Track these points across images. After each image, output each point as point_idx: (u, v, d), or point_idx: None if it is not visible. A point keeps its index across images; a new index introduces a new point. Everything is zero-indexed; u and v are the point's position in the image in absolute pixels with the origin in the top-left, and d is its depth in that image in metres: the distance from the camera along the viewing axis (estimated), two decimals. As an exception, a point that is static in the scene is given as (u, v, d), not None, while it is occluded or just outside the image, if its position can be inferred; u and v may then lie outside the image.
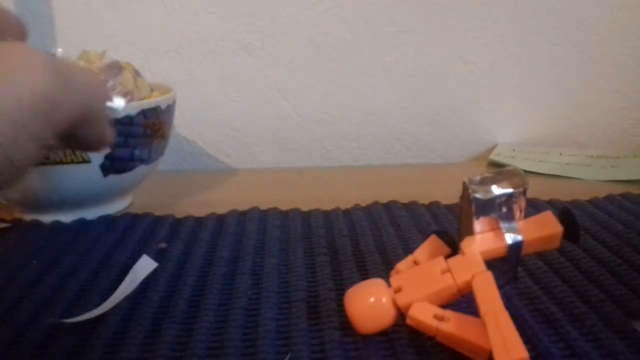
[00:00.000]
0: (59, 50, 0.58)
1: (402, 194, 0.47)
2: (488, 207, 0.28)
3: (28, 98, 0.20)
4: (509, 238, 0.28)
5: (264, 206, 0.46)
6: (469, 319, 0.26)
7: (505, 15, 0.61)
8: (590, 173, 0.54)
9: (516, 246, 0.28)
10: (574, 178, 0.54)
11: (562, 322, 0.29)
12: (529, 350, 0.24)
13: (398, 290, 0.28)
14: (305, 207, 0.45)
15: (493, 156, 0.60)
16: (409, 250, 0.34)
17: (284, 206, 0.46)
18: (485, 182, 0.28)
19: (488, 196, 0.28)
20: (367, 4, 0.60)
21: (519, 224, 0.28)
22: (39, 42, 0.60)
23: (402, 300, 0.27)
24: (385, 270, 0.34)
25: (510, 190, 0.28)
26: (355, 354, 0.27)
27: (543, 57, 0.62)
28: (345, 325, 0.29)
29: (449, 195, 0.40)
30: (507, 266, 0.29)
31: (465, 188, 0.28)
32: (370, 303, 0.28)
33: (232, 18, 0.60)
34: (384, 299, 0.28)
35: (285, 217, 0.44)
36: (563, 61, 0.62)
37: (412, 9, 0.60)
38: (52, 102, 0.21)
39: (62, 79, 0.21)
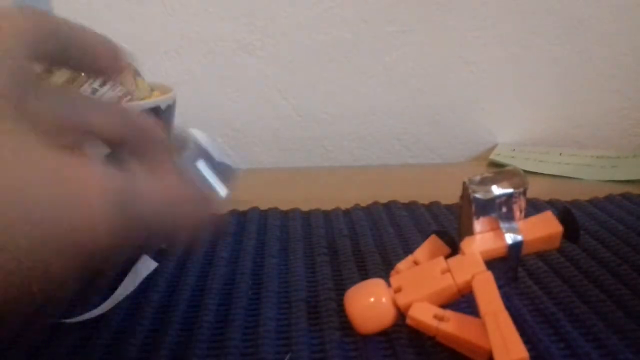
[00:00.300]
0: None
1: (402, 194, 0.47)
2: (488, 207, 0.28)
3: (80, 238, 0.19)
4: (509, 238, 0.28)
5: (264, 206, 0.46)
6: (469, 319, 0.26)
7: (505, 15, 0.61)
8: (590, 173, 0.54)
9: (516, 246, 0.28)
10: (574, 178, 0.54)
11: (562, 322, 0.29)
12: (529, 350, 0.24)
13: (398, 290, 0.28)
14: (305, 207, 0.45)
15: (493, 156, 0.60)
16: (409, 250, 0.34)
17: (284, 206, 0.46)
18: (485, 182, 0.28)
19: (488, 196, 0.28)
20: (367, 4, 0.60)
21: (519, 224, 0.28)
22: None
23: (402, 300, 0.27)
24: (385, 270, 0.34)
25: (510, 190, 0.28)
26: (355, 354, 0.27)
27: (543, 57, 0.62)
28: (345, 325, 0.29)
29: (449, 195, 0.40)
30: (507, 266, 0.29)
31: (465, 188, 0.28)
32: (370, 303, 0.28)
33: (232, 18, 0.60)
34: (384, 299, 0.28)
35: (285, 217, 0.44)
36: (563, 61, 0.62)
37: (412, 9, 0.60)
38: (109, 239, 0.20)
39: (123, 209, 0.20)
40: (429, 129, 0.64)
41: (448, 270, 0.28)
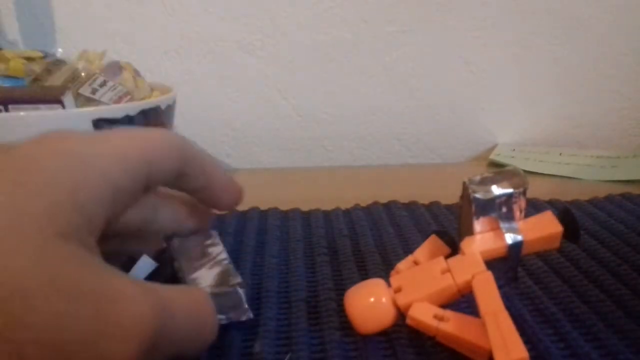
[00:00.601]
0: (59, 50, 0.58)
1: (402, 194, 0.47)
2: (488, 207, 0.28)
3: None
4: (509, 238, 0.28)
5: (264, 206, 0.46)
6: (469, 319, 0.26)
7: (505, 15, 0.61)
8: (590, 173, 0.54)
9: (516, 246, 0.28)
10: (574, 178, 0.54)
11: (562, 322, 0.29)
12: (529, 350, 0.24)
13: (398, 290, 0.28)
14: (305, 207, 0.45)
15: (493, 156, 0.60)
16: (409, 250, 0.34)
17: (284, 206, 0.46)
18: (485, 182, 0.28)
19: (488, 196, 0.28)
20: (367, 4, 0.60)
21: (519, 224, 0.28)
22: (39, 42, 0.60)
23: (402, 300, 0.27)
24: (385, 270, 0.34)
25: (510, 190, 0.28)
26: (355, 354, 0.27)
27: (543, 57, 0.62)
28: (345, 325, 0.29)
29: (449, 195, 0.40)
30: (507, 266, 0.29)
31: (465, 188, 0.28)
32: (370, 303, 0.28)
33: (232, 18, 0.60)
34: (384, 299, 0.28)
35: (285, 217, 0.44)
36: (563, 61, 0.62)
37: (412, 9, 0.60)
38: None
39: (162, 331, 0.20)
40: (429, 129, 0.64)
41: (448, 270, 0.28)
